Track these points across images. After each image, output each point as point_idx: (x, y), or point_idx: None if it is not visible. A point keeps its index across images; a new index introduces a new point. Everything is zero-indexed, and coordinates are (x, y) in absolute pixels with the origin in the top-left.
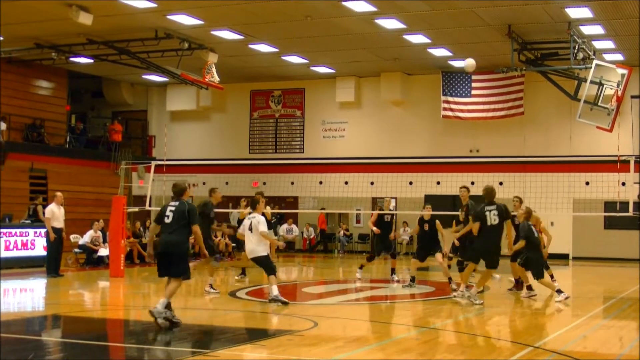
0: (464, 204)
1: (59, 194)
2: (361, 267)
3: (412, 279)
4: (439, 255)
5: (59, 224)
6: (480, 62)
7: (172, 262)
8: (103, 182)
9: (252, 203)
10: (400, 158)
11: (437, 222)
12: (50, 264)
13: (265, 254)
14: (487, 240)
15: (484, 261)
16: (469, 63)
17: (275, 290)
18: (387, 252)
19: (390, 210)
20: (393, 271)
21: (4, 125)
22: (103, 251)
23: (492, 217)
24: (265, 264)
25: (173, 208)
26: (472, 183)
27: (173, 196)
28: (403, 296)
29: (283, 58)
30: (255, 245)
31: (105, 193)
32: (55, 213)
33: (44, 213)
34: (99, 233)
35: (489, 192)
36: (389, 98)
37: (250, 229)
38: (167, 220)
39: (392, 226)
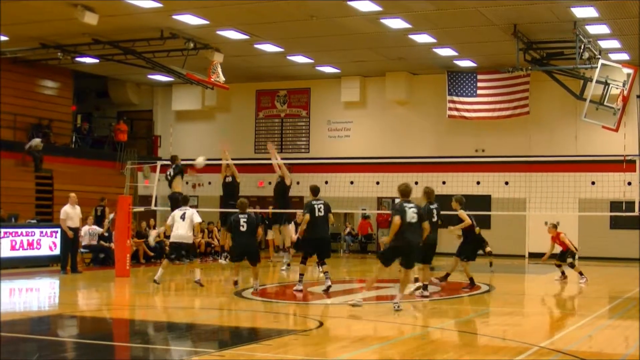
0: None
1: (72, 194)
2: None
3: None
4: None
5: (74, 223)
6: (486, 62)
7: (250, 258)
8: (109, 182)
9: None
10: (405, 158)
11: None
12: (65, 262)
13: (191, 242)
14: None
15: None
16: (199, 160)
17: (198, 275)
18: None
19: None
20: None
21: (37, 141)
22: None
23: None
24: (193, 249)
25: (245, 219)
26: (478, 183)
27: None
28: (408, 296)
29: (288, 58)
30: (185, 232)
31: (111, 193)
32: (69, 213)
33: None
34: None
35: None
36: (394, 98)
37: (183, 218)
38: (242, 229)
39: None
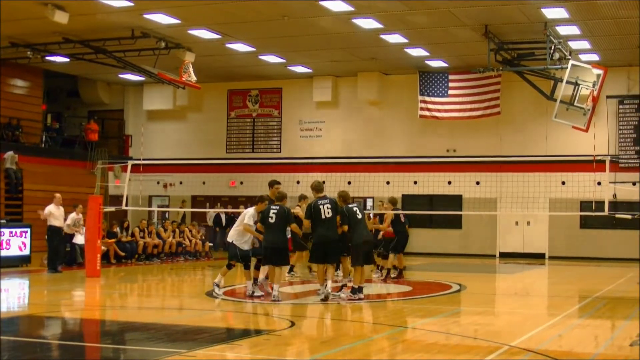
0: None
1: (57, 195)
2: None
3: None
4: None
5: (58, 222)
6: (457, 62)
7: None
8: (79, 181)
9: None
10: (377, 158)
11: None
12: (50, 261)
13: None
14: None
15: None
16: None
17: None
18: None
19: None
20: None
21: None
22: (79, 239)
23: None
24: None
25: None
26: (449, 182)
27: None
28: (380, 296)
29: (260, 57)
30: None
31: (81, 193)
32: (54, 213)
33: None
34: (81, 215)
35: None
36: (366, 98)
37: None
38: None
39: None
